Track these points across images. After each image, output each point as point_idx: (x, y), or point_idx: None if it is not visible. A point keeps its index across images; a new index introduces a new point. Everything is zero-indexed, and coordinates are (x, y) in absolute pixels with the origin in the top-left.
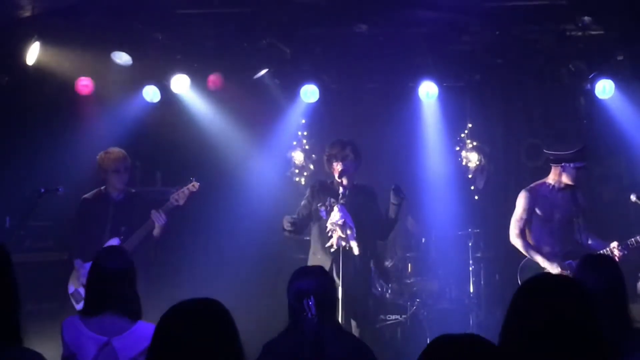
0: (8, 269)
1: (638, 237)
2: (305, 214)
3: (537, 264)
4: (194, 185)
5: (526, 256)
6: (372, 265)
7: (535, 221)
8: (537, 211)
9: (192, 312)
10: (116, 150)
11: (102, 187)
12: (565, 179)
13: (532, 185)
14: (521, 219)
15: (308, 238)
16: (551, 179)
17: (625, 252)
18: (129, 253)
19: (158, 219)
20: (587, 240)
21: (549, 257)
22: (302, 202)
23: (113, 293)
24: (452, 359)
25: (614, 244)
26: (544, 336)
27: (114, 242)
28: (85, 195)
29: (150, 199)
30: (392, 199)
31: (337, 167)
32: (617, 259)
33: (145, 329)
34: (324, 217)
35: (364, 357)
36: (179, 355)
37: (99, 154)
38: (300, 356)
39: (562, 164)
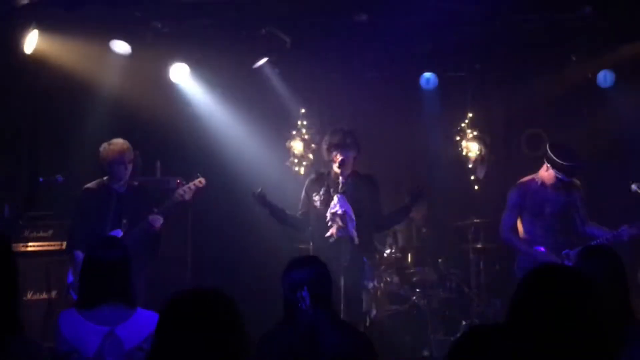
0: (9, 259)
1: None
2: (303, 211)
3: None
4: (200, 182)
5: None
6: (365, 258)
7: (525, 216)
8: (527, 207)
9: (198, 299)
10: (120, 142)
11: (105, 178)
12: (548, 179)
13: (521, 180)
14: (510, 215)
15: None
16: (541, 174)
17: (637, 233)
18: (122, 242)
19: (155, 222)
20: (588, 230)
21: (542, 252)
22: (302, 198)
23: (110, 284)
24: (485, 349)
25: (625, 226)
26: (548, 327)
27: (116, 234)
28: (88, 185)
29: (152, 191)
30: (408, 203)
31: (337, 157)
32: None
33: (146, 315)
34: (318, 206)
35: (362, 346)
36: (183, 343)
37: (102, 144)
38: (295, 348)
39: (549, 165)
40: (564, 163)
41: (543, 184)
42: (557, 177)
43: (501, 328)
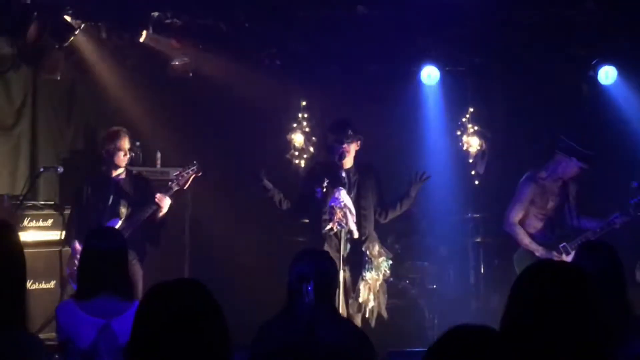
0: (11, 248)
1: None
2: (300, 200)
3: (532, 252)
4: (197, 170)
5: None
6: (363, 248)
7: (531, 209)
8: (535, 200)
9: (170, 292)
10: (119, 130)
11: (104, 167)
12: (562, 172)
13: (533, 173)
14: (518, 208)
15: (307, 221)
16: (550, 168)
17: (628, 219)
18: (120, 232)
19: (162, 201)
20: (582, 222)
21: (541, 245)
22: (300, 184)
23: (106, 274)
24: (465, 351)
25: (617, 214)
26: (545, 323)
27: (114, 223)
28: (86, 175)
29: (151, 180)
30: (413, 191)
31: (338, 150)
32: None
33: None
34: (319, 197)
35: (359, 343)
36: (158, 337)
37: (102, 133)
38: (293, 340)
39: (570, 157)
40: (585, 150)
41: (550, 177)
42: (580, 168)
43: (483, 329)
